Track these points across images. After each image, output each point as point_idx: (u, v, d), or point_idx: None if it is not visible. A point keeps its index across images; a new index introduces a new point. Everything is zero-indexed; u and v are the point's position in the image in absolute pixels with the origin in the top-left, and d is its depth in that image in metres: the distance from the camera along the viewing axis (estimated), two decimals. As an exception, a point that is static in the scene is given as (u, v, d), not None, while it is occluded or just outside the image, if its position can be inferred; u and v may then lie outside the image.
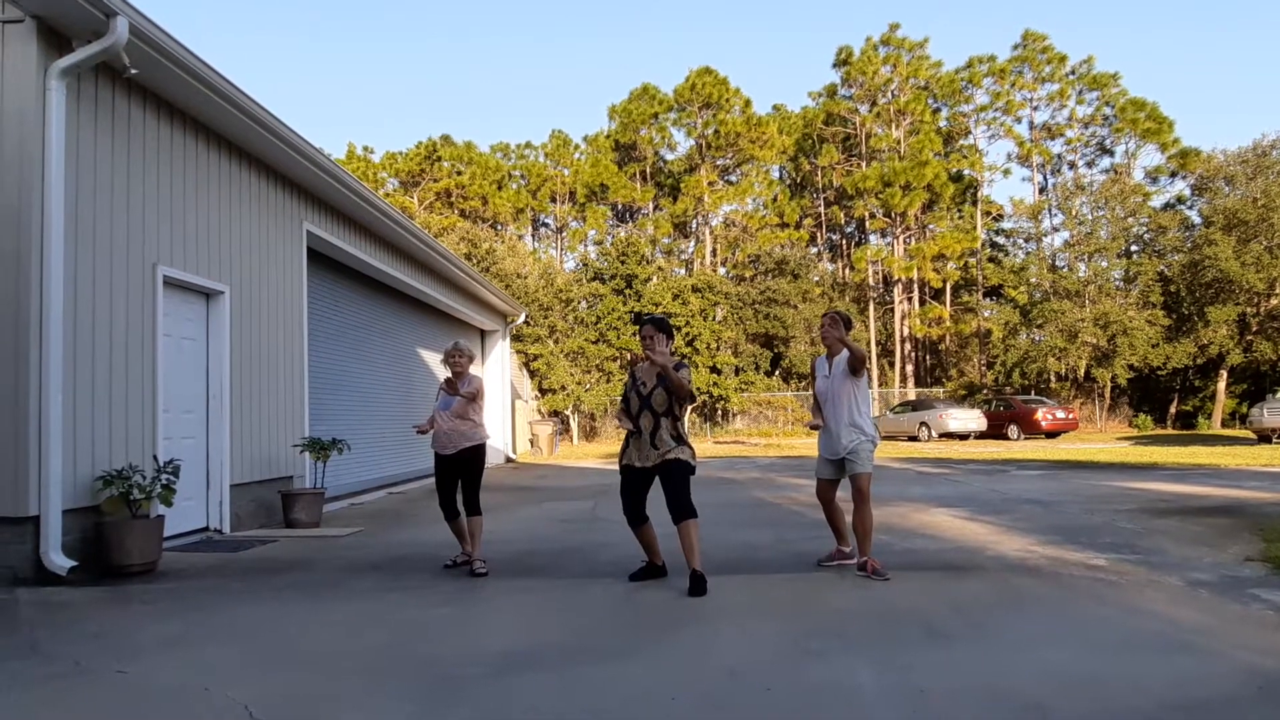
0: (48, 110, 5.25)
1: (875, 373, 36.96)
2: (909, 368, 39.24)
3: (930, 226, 38.62)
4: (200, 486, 7.18)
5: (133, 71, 5.78)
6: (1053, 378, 33.20)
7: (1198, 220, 33.55)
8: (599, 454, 21.55)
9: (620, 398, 5.34)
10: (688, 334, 29.47)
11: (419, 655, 3.69)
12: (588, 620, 4.33)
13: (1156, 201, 35.85)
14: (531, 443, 21.80)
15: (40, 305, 5.23)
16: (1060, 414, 25.35)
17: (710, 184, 39.60)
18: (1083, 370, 31.81)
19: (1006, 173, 40.41)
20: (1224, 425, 30.35)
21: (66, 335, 5.40)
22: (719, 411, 32.30)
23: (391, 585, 5.24)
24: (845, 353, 5.40)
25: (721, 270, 39.93)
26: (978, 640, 3.81)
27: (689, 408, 29.16)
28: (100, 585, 5.20)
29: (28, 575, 5.17)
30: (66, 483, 5.37)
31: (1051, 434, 25.17)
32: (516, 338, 26.36)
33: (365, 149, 44.49)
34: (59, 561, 5.20)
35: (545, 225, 49.27)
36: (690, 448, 5.05)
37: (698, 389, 29.20)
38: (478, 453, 5.80)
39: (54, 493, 5.22)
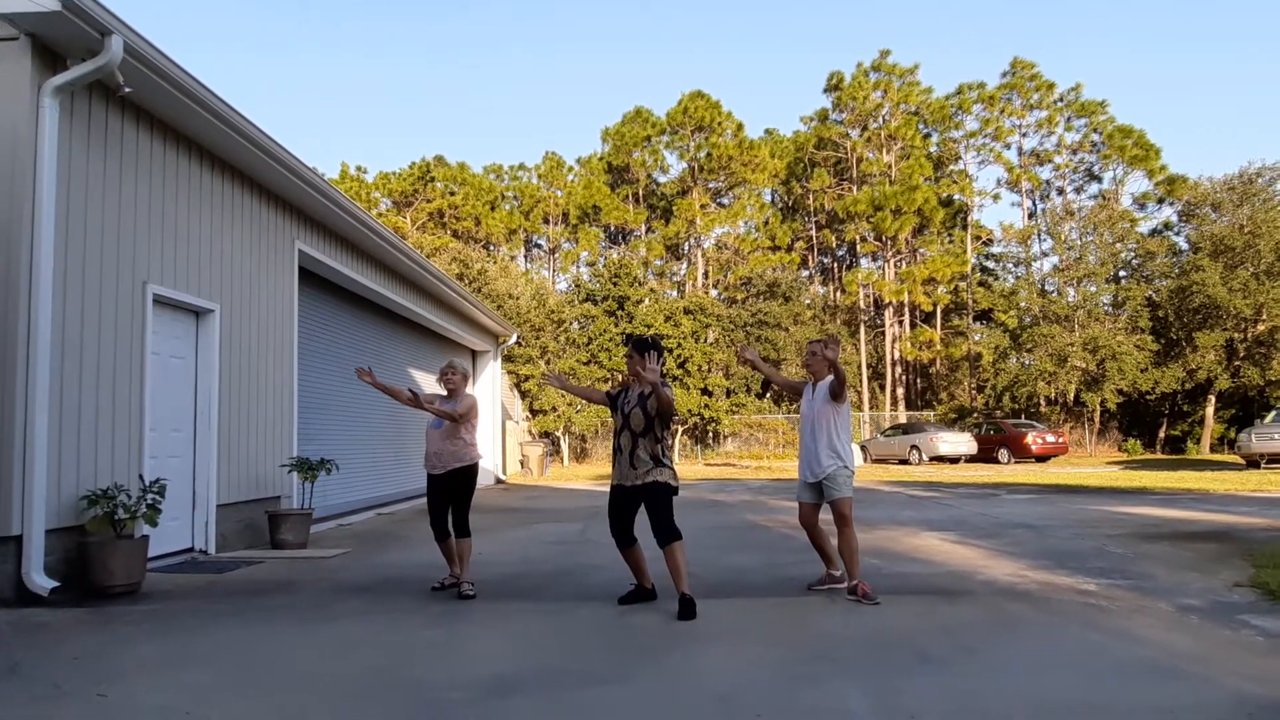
0: (40, 128, 5.25)
1: (866, 395, 37.03)
2: (899, 391, 39.34)
3: (921, 250, 38.89)
4: (186, 506, 7.11)
5: (126, 90, 5.78)
6: (1042, 402, 33.33)
7: (1185, 246, 33.87)
8: (589, 475, 21.48)
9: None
10: (679, 356, 29.48)
11: (405, 678, 3.65)
12: (576, 644, 4.29)
13: (1144, 227, 36.25)
14: (522, 464, 21.71)
15: (28, 322, 5.20)
16: (1050, 438, 25.42)
17: (702, 206, 39.83)
18: (1072, 394, 31.93)
19: (996, 198, 41.14)
20: (1213, 450, 30.47)
21: (54, 352, 5.36)
22: (710, 433, 32.27)
23: (378, 607, 5.19)
24: (828, 378, 5.41)
25: (713, 292, 40.07)
26: (969, 665, 3.79)
27: (676, 428, 29.24)
28: (83, 606, 5.12)
29: (9, 596, 5.09)
30: (50, 502, 5.31)
31: (1041, 458, 25.22)
32: (508, 358, 26.32)
33: (359, 169, 44.63)
34: (41, 582, 5.13)
35: (538, 246, 49.41)
36: (671, 469, 5.02)
37: (689, 411, 29.17)
38: (468, 473, 5.76)
39: (37, 512, 5.16)
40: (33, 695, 3.43)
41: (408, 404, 5.95)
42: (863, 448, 27.69)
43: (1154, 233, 36.12)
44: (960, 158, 40.24)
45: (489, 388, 18.41)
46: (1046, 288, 35.57)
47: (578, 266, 45.69)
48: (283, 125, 72.83)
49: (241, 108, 6.79)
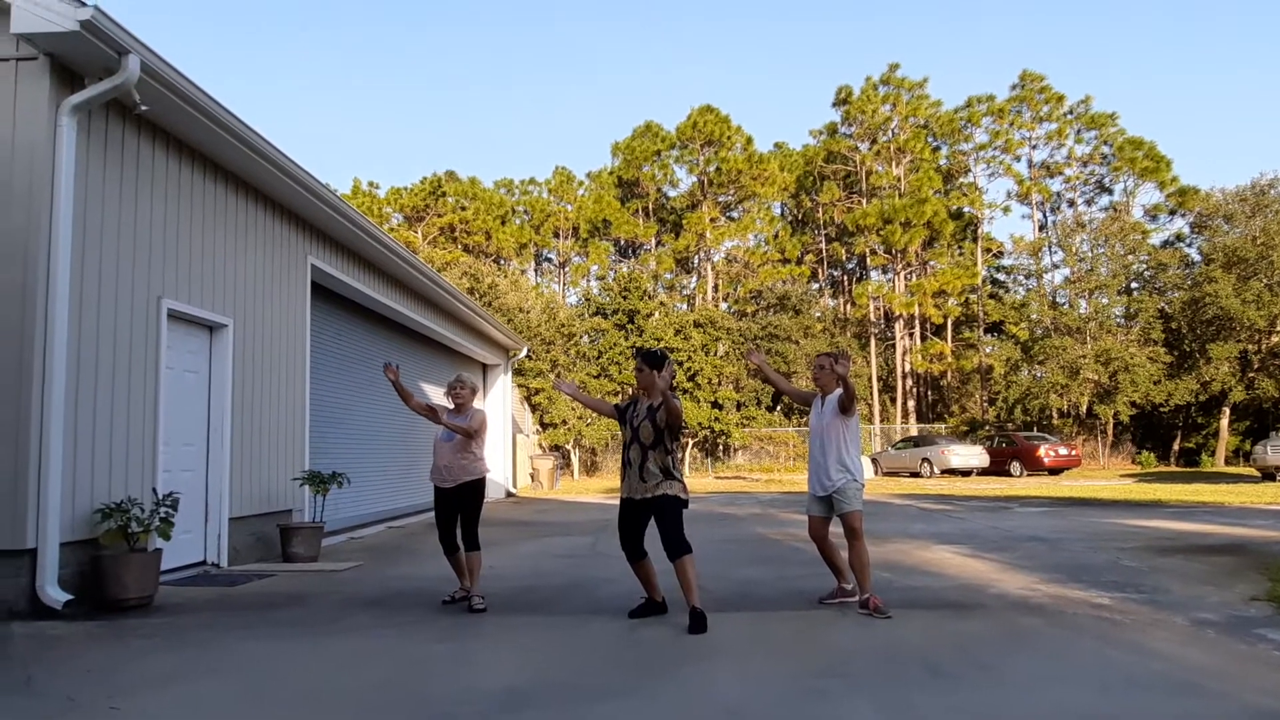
0: (58, 145, 5.32)
1: (876, 408, 36.89)
2: (910, 403, 39.18)
3: (931, 263, 38.81)
4: (199, 520, 7.14)
5: (143, 108, 5.86)
6: (1055, 414, 33.12)
7: (1197, 258, 33.71)
8: (600, 488, 21.46)
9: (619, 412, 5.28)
10: (689, 369, 29.46)
11: (416, 693, 3.65)
12: (587, 658, 4.28)
13: (1156, 239, 36.10)
14: (532, 477, 21.72)
15: (44, 336, 5.25)
16: (1063, 450, 25.24)
17: (712, 220, 39.89)
18: (1085, 407, 31.74)
19: (1006, 210, 40.83)
20: (1227, 463, 30.20)
21: (70, 366, 5.42)
22: (720, 446, 32.20)
23: (389, 621, 5.20)
24: (837, 392, 5.40)
25: (723, 305, 40.08)
26: (982, 680, 3.77)
27: (686, 441, 29.16)
28: (96, 619, 5.15)
29: (23, 609, 5.12)
30: (65, 515, 5.35)
31: (1054, 471, 25.05)
32: (518, 372, 26.36)
33: (370, 184, 44.95)
34: (55, 595, 5.16)
35: (548, 260, 49.60)
36: (681, 482, 5.02)
37: (699, 424, 29.12)
38: (477, 487, 5.78)
39: (52, 525, 5.19)
40: (46, 708, 3.44)
41: (420, 412, 5.98)
42: (873, 461, 27.57)
43: (1166, 244, 35.96)
44: (970, 170, 40.19)
45: (499, 401, 18.44)
46: (1058, 300, 35.46)
47: (588, 280, 45.84)
48: (296, 142, 73.50)
49: (255, 125, 6.87)
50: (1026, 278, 39.70)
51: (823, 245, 43.46)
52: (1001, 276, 41.88)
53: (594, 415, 28.45)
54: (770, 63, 72.19)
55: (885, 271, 41.89)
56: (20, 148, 5.32)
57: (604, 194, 42.96)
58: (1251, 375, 30.35)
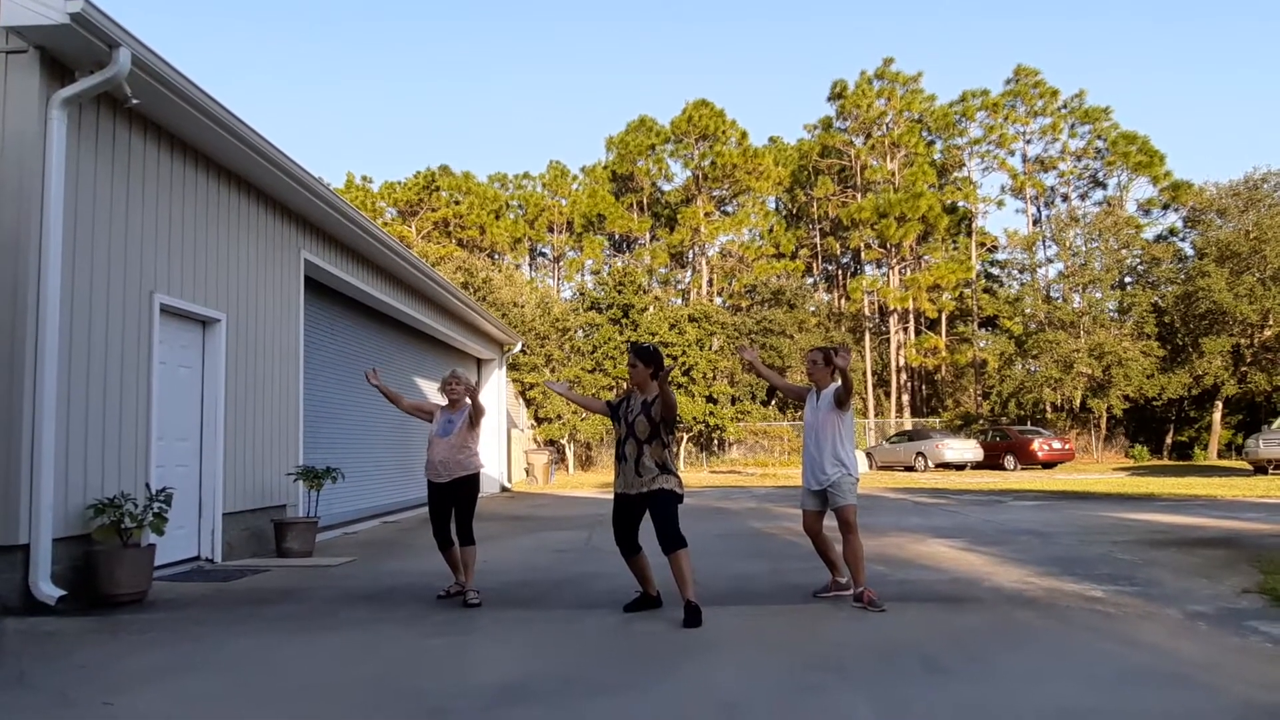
0: (48, 139, 5.28)
1: (871, 402, 36.96)
2: (905, 397, 39.26)
3: (925, 257, 38.85)
4: (192, 515, 7.12)
5: (134, 101, 5.82)
6: (1048, 408, 33.23)
7: (1190, 252, 33.82)
8: (594, 483, 21.47)
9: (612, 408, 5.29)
10: (684, 364, 29.47)
11: (411, 688, 3.65)
12: (582, 652, 4.29)
13: (1149, 233, 36.20)
14: (527, 472, 21.71)
15: (36, 331, 5.22)
16: (1056, 444, 25.33)
17: (707, 214, 39.86)
18: (1078, 401, 31.84)
19: (1000, 204, 40.91)
20: (1220, 456, 30.34)
21: (62, 362, 5.39)
22: (715, 441, 32.24)
23: (384, 616, 5.19)
24: (832, 386, 5.41)
25: (718, 300, 40.08)
26: (976, 674, 3.78)
27: (680, 435, 29.18)
28: (89, 615, 5.13)
29: (16, 604, 5.10)
30: (58, 511, 5.32)
31: (1048, 464, 25.14)
32: (513, 366, 26.34)
33: (364, 178, 44.80)
34: (48, 591, 5.14)
35: (542, 255, 49.54)
36: (676, 476, 5.02)
37: (694, 418, 29.15)
38: (472, 481, 5.77)
39: (45, 521, 5.17)
40: (40, 704, 3.43)
41: (411, 412, 6.03)
42: (868, 455, 27.63)
43: (1159, 239, 36.07)
44: (964, 165, 40.21)
45: (494, 396, 18.42)
46: (1051, 294, 35.53)
47: (582, 275, 45.79)
48: (289, 136, 73.16)
49: (248, 119, 6.83)
50: (1020, 272, 39.77)
51: (817, 240, 43.48)
52: (995, 271, 41.95)
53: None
54: (765, 57, 72.14)
55: (880, 266, 41.93)
56: (10, 141, 5.28)
57: (598, 188, 42.89)
58: (1244, 369, 30.49)
